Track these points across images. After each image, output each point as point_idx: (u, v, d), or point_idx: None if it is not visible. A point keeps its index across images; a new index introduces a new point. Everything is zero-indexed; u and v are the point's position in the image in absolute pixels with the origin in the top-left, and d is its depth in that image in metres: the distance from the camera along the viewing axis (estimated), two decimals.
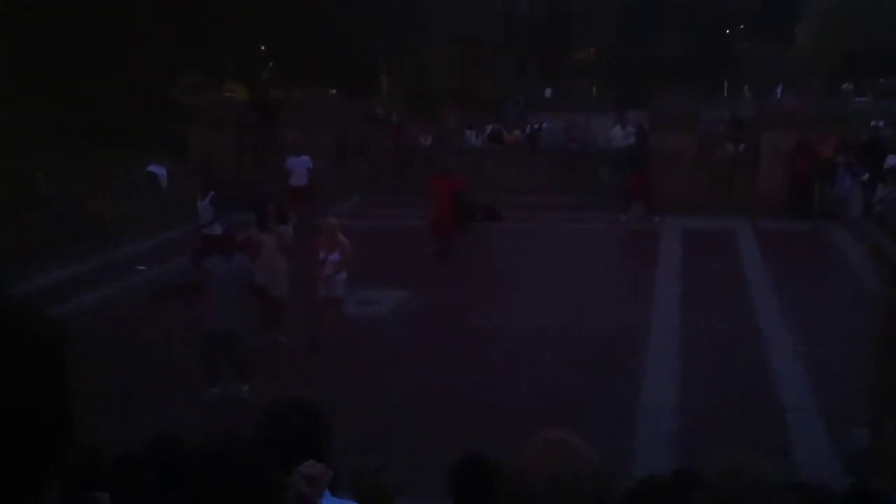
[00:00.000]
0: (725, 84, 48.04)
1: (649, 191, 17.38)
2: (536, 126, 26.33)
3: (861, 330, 9.62)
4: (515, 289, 12.72)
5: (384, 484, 3.85)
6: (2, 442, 1.00)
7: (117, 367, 9.15)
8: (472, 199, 17.34)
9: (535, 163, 20.74)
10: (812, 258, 14.61)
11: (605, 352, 10.11)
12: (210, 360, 8.72)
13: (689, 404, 8.68)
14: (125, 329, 10.69)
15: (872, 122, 21.76)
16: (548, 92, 45.63)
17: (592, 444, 1.85)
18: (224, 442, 2.64)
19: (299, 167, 17.59)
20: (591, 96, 44.81)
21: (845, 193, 17.20)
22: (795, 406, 8.66)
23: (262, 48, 25.10)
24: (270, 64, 26.00)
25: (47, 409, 1.05)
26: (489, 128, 25.27)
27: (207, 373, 8.72)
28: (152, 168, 18.59)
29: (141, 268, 14.06)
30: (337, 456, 3.28)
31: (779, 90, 36.34)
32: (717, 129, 22.83)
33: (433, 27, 29.97)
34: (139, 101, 18.62)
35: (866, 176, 17.14)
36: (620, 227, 17.19)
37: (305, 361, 9.73)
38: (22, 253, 13.07)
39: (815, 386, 9.07)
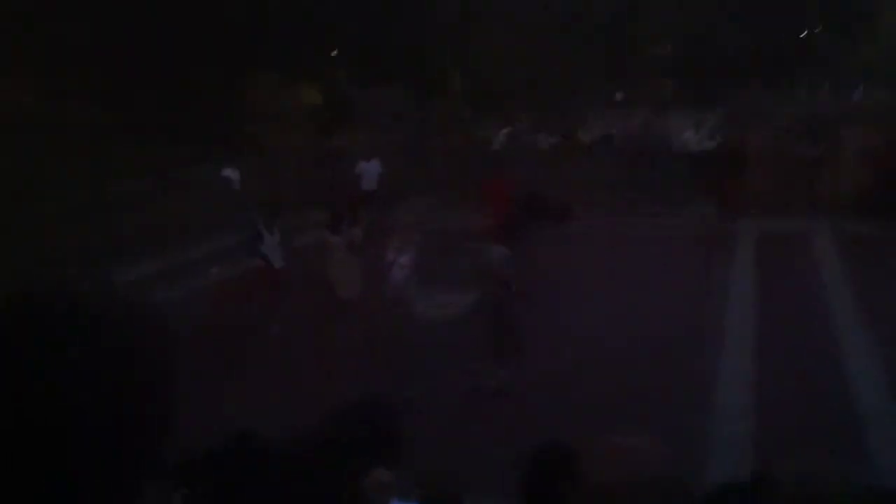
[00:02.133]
0: (804, 83, 46.80)
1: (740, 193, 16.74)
2: (610, 128, 26.02)
3: None
4: (586, 290, 12.63)
5: (450, 486, 3.88)
6: (100, 431, 1.00)
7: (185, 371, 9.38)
8: (543, 197, 17.18)
9: (609, 164, 20.53)
10: (894, 261, 14.15)
11: (676, 354, 9.97)
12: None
13: (763, 408, 8.50)
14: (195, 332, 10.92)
15: None
16: (619, 95, 45.09)
17: (664, 446, 1.84)
18: (303, 442, 2.71)
19: (370, 171, 17.74)
20: (663, 94, 44.09)
21: None
22: (874, 411, 8.42)
23: (334, 49, 25.38)
24: (342, 66, 26.26)
25: (154, 403, 1.06)
26: (559, 133, 25.06)
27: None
28: (226, 171, 19.01)
29: (213, 270, 14.36)
30: (406, 456, 3.32)
31: (860, 88, 35.27)
32: (795, 127, 22.27)
33: (501, 22, 29.89)
34: (214, 101, 19.02)
35: None
36: (695, 230, 16.83)
37: (374, 362, 9.83)
38: (92, 253, 13.45)
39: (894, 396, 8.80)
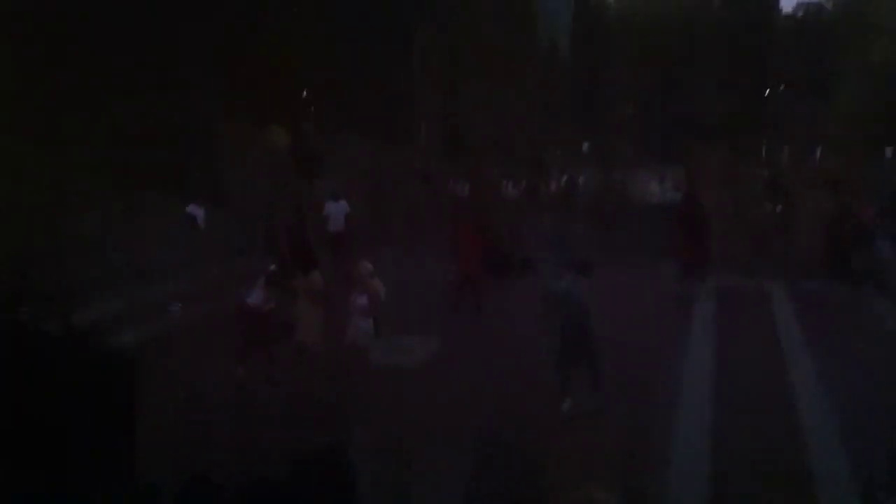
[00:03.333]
0: (763, 145, 47.86)
1: (705, 254, 16.47)
2: (572, 179, 26.37)
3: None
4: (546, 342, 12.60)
5: None
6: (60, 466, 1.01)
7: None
8: (509, 252, 17.45)
9: (572, 218, 20.74)
10: (849, 322, 14.40)
11: (634, 410, 9.99)
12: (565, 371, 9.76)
13: (719, 467, 8.54)
14: (159, 367, 10.78)
15: None
16: (585, 146, 45.65)
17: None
18: (255, 488, 2.69)
19: (336, 212, 17.69)
20: (627, 151, 44.78)
21: (884, 258, 17.01)
22: (827, 472, 8.49)
23: (304, 96, 25.52)
24: (312, 110, 26.40)
25: (113, 439, 1.07)
26: (524, 182, 25.37)
27: (562, 384, 9.78)
28: (190, 209, 19.02)
29: (174, 307, 14.23)
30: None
31: (818, 152, 36.13)
32: (754, 188, 22.71)
33: (471, 78, 30.30)
34: (183, 144, 19.03)
35: None
36: (654, 285, 16.93)
37: (330, 406, 9.76)
38: (61, 291, 13.28)
39: (849, 453, 8.90)
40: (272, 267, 11.09)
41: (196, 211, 19.17)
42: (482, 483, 7.93)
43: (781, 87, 55.65)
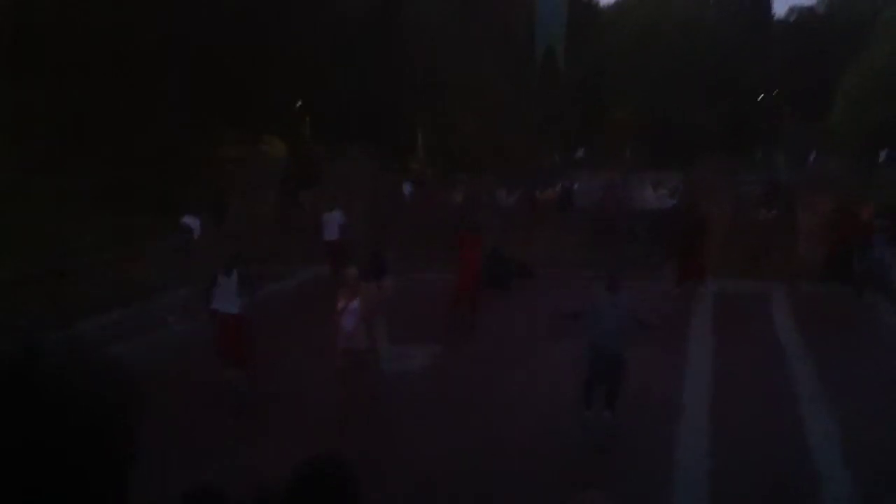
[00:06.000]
0: (759, 151, 48.05)
1: (704, 257, 16.60)
2: (567, 186, 26.37)
3: None
4: (546, 349, 12.59)
5: None
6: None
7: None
8: (505, 257, 17.39)
9: (569, 222, 20.69)
10: (850, 323, 14.37)
11: (635, 416, 9.94)
12: (590, 385, 9.49)
13: (721, 470, 8.48)
14: (153, 383, 10.69)
15: None
16: (580, 151, 45.74)
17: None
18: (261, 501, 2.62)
19: (331, 222, 17.83)
20: (625, 157, 44.97)
21: (883, 260, 16.97)
22: (830, 473, 8.43)
23: (301, 108, 25.52)
24: (308, 120, 26.40)
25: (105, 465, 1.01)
26: (519, 190, 25.28)
27: (586, 397, 9.52)
28: (186, 219, 18.95)
29: (171, 319, 14.16)
30: None
31: (811, 157, 36.23)
32: (752, 193, 22.71)
33: (468, 85, 30.32)
34: (179, 162, 19.01)
35: None
36: (654, 290, 16.86)
37: (331, 415, 9.70)
38: (61, 313, 13.22)
39: (851, 453, 8.84)
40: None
41: (191, 222, 19.11)
42: (484, 491, 7.88)
43: (775, 91, 55.97)
